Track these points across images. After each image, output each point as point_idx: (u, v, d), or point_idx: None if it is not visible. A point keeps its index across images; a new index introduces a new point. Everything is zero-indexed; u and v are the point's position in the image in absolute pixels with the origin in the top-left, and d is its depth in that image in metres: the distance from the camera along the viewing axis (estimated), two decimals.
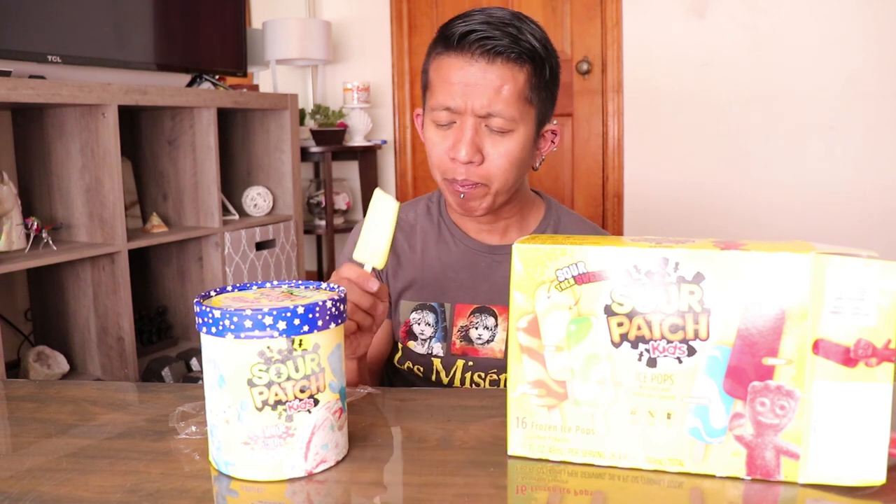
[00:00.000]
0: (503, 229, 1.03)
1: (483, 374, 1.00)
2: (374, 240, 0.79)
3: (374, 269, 0.79)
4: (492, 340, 1.00)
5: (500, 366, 0.99)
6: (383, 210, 0.78)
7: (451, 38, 0.91)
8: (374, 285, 0.77)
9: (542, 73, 0.94)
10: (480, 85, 0.89)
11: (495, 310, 1.00)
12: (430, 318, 1.01)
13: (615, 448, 0.60)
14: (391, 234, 0.78)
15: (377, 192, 0.80)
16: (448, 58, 0.92)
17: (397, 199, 1.15)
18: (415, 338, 1.02)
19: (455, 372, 1.00)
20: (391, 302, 1.03)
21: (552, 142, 1.00)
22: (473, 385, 1.00)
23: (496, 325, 1.00)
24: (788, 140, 2.98)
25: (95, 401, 0.80)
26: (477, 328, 1.00)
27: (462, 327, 1.00)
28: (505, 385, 0.63)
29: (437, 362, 1.01)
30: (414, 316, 1.02)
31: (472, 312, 1.00)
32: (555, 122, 1.00)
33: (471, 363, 1.00)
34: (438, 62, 0.93)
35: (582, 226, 1.08)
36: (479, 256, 1.02)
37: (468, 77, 0.90)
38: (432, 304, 1.01)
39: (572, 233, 1.06)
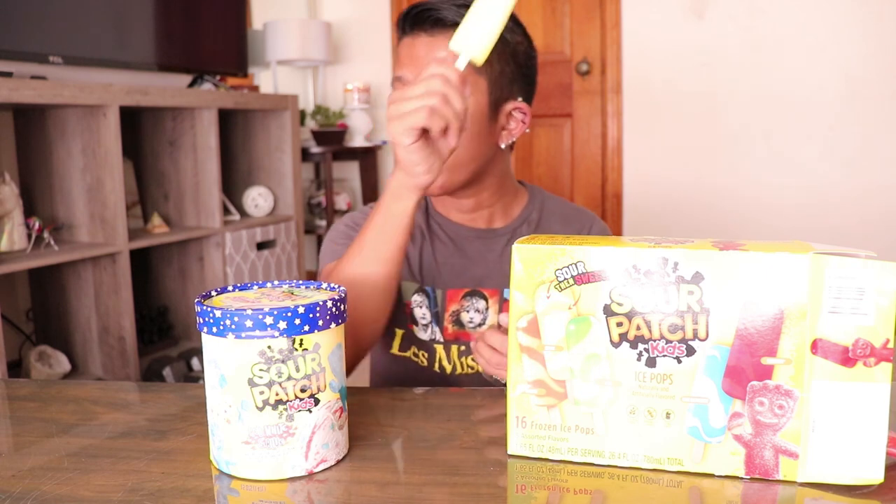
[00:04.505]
0: (488, 217, 1.04)
1: None
2: (479, 28, 0.69)
3: (468, 65, 0.71)
4: (483, 324, 1.01)
5: None
6: None
7: (402, 21, 0.96)
8: (469, 90, 0.72)
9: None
10: (425, 56, 0.92)
11: (486, 293, 1.01)
12: (426, 302, 1.02)
13: (614, 447, 0.61)
14: (501, 25, 0.70)
15: None
16: (404, 38, 0.96)
17: None
18: (416, 322, 1.02)
19: (452, 358, 1.01)
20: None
21: (522, 122, 0.99)
22: (469, 369, 1.01)
23: (487, 308, 1.01)
24: (787, 140, 2.98)
25: (97, 400, 0.81)
26: (468, 311, 1.01)
27: (454, 312, 1.01)
28: None
29: (439, 349, 1.01)
30: (415, 298, 1.02)
31: (464, 297, 1.01)
32: (520, 99, 0.99)
33: (463, 348, 1.01)
34: (399, 47, 0.98)
35: (565, 208, 1.09)
36: (467, 242, 1.04)
37: (415, 51, 0.94)
38: (426, 288, 1.02)
39: (557, 215, 1.07)
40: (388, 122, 0.75)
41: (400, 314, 1.03)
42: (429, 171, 0.77)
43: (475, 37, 0.69)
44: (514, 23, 0.98)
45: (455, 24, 0.91)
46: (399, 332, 1.03)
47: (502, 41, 0.96)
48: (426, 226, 1.05)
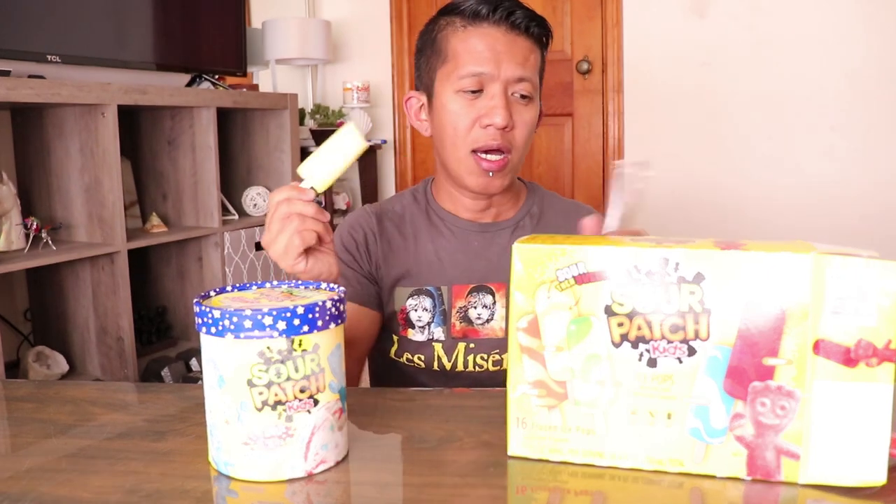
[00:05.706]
0: (495, 213, 1.06)
1: (486, 356, 1.00)
2: (326, 165, 0.75)
3: (311, 190, 0.76)
4: (491, 319, 1.00)
5: (502, 346, 0.99)
6: (349, 143, 0.75)
7: (478, 12, 0.96)
8: (310, 197, 0.75)
9: (545, 55, 1.02)
10: (511, 52, 0.95)
11: (492, 287, 1.01)
12: (427, 302, 1.01)
13: (615, 448, 0.60)
14: (345, 167, 0.76)
15: (350, 126, 0.76)
16: (477, 28, 0.96)
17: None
18: (412, 325, 1.02)
19: (457, 356, 1.00)
20: (386, 291, 1.04)
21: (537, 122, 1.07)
22: (477, 368, 1.00)
23: (494, 303, 1.01)
24: (789, 140, 2.98)
25: (95, 401, 0.80)
26: (476, 307, 1.00)
27: (461, 308, 1.01)
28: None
29: (438, 347, 1.01)
30: (410, 302, 1.02)
31: (470, 292, 1.01)
32: (540, 103, 1.06)
33: (472, 345, 1.00)
34: (464, 34, 0.97)
35: (564, 203, 1.11)
36: (471, 236, 1.04)
37: (500, 45, 0.95)
38: (428, 288, 1.02)
39: (558, 209, 1.10)
40: (270, 253, 0.77)
41: (393, 322, 1.03)
42: (329, 271, 0.79)
43: (322, 171, 0.75)
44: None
45: (534, 31, 0.97)
46: (395, 338, 1.03)
47: (544, 49, 1.02)
48: (427, 222, 1.05)
